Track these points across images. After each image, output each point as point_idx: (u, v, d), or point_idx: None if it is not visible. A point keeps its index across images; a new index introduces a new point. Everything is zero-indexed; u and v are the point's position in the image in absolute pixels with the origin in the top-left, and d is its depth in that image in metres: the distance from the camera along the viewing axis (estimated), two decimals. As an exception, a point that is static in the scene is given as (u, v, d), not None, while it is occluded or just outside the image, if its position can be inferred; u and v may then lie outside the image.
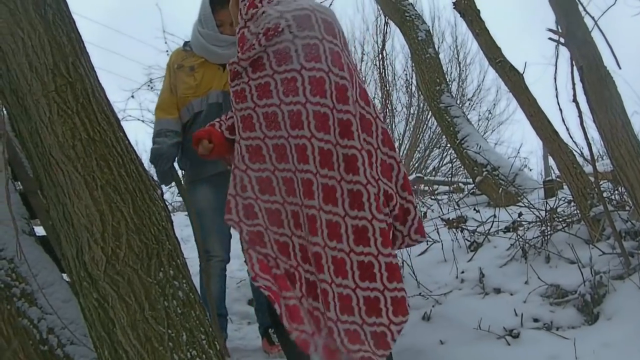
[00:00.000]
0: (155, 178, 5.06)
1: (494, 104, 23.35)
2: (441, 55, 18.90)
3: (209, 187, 5.13)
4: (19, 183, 4.37)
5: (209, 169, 5.03)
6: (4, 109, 3.50)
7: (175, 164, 5.29)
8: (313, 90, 3.28)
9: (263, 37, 3.34)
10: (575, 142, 8.32)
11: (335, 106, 3.30)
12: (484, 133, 21.88)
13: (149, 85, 18.14)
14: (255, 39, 3.37)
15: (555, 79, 5.84)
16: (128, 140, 3.38)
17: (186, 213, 9.91)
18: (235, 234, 4.38)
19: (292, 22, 3.34)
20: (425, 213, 9.35)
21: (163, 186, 5.41)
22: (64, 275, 3.83)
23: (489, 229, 7.17)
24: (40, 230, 4.38)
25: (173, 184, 5.34)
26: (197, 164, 5.04)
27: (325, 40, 3.36)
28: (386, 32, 15.92)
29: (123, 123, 3.48)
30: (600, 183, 6.11)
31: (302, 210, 3.34)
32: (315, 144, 3.28)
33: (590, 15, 5.77)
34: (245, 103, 3.45)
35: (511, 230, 7.06)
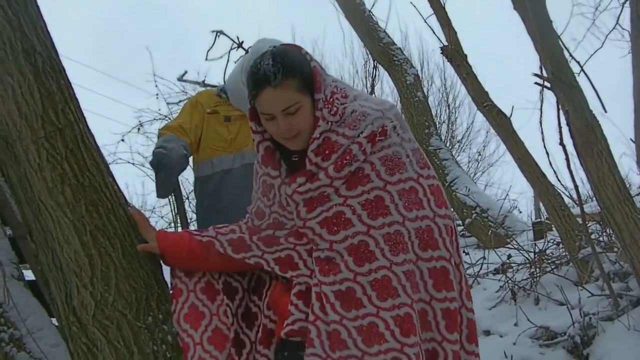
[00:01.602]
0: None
1: (484, 146, 23.41)
2: (430, 98, 19.10)
3: None
4: (9, 228, 4.38)
5: None
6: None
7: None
8: (437, 201, 2.79)
9: (368, 144, 2.71)
10: (563, 185, 8.39)
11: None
12: (474, 175, 21.95)
13: (138, 129, 18.18)
14: (358, 147, 2.69)
15: (541, 122, 5.91)
16: (117, 185, 3.40)
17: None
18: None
19: (396, 123, 2.80)
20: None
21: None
22: (53, 320, 3.82)
23: (479, 271, 7.21)
24: (29, 275, 4.38)
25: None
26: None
27: (416, 142, 2.92)
28: (375, 76, 16.07)
29: (113, 166, 3.50)
30: (588, 225, 6.14)
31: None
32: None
33: (576, 60, 5.87)
34: (351, 229, 2.70)
35: (500, 272, 7.09)
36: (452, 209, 2.95)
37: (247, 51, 7.98)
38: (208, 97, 4.68)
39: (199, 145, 4.61)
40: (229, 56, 8.87)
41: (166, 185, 4.31)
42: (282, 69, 2.65)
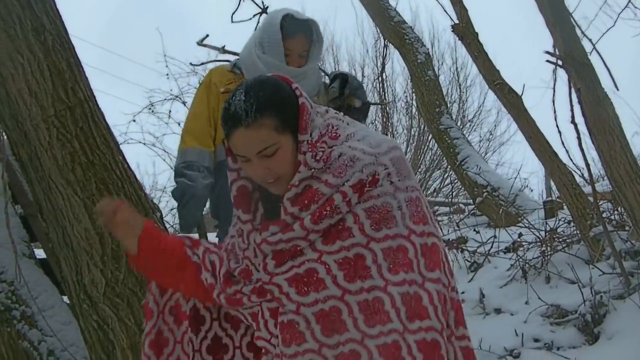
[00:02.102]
0: (177, 220, 4.18)
1: (495, 125, 23.31)
2: (441, 77, 18.99)
3: None
4: (19, 206, 4.39)
5: None
6: (3, 133, 3.52)
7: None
8: (429, 263, 2.32)
9: (354, 195, 2.29)
10: (574, 163, 8.35)
11: (451, 283, 2.42)
12: (485, 154, 21.86)
13: (149, 109, 18.20)
14: (341, 197, 2.28)
15: (553, 101, 5.87)
16: (127, 164, 3.40)
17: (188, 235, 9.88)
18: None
19: (391, 169, 2.35)
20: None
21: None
22: (64, 298, 3.84)
23: (489, 250, 7.19)
24: (40, 253, 4.40)
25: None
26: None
27: (419, 191, 2.44)
28: (386, 55, 16.03)
29: (125, 146, 3.48)
30: (600, 203, 6.12)
31: None
32: (455, 343, 2.40)
33: (588, 38, 5.81)
34: (323, 292, 2.28)
35: (511, 250, 7.07)
36: (446, 275, 2.30)
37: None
38: (221, 74, 4.24)
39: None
40: (258, 20, 8.71)
41: (191, 219, 3.93)
42: (255, 106, 2.27)
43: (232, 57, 6.82)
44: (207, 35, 9.34)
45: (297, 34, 3.96)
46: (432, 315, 2.24)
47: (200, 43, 9.51)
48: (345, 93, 4.09)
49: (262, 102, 2.28)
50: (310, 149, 2.33)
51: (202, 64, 10.02)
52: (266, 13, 8.57)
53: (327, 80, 4.35)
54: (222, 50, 9.54)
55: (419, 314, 2.22)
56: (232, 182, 2.49)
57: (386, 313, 2.21)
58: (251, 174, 2.40)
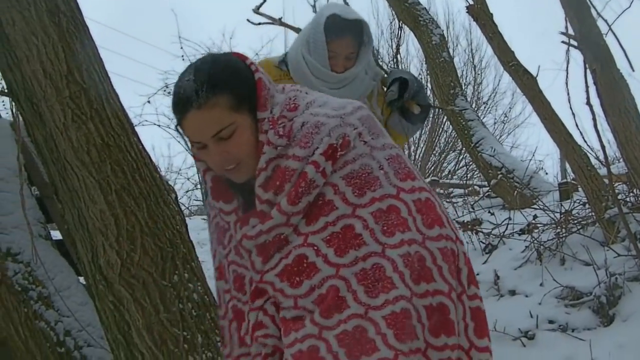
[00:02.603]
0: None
1: (510, 108, 23.21)
2: (456, 59, 18.93)
3: None
4: (35, 188, 4.41)
5: None
6: (19, 115, 3.53)
7: None
8: (426, 219, 2.15)
9: (327, 163, 2.10)
10: (589, 145, 8.32)
11: (458, 236, 2.23)
12: (500, 136, 21.80)
13: (165, 90, 18.24)
14: (314, 169, 2.10)
15: (567, 82, 5.85)
16: (142, 145, 3.41)
17: (203, 217, 9.93)
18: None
19: (361, 128, 2.18)
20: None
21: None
22: (81, 279, 3.86)
23: (504, 232, 7.18)
24: (57, 235, 4.42)
25: None
26: None
27: (397, 148, 2.28)
28: (400, 37, 15.95)
29: (140, 128, 3.49)
30: (615, 185, 6.10)
31: None
32: (466, 303, 2.21)
33: (604, 19, 5.79)
34: (317, 276, 2.09)
35: (526, 232, 7.05)
36: (452, 228, 2.06)
37: None
38: (267, 69, 3.74)
39: None
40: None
41: None
42: (207, 84, 2.09)
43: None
44: (265, 1, 8.95)
45: (344, 35, 3.66)
46: (437, 277, 2.11)
47: (257, 11, 9.10)
48: (405, 97, 3.80)
49: (213, 79, 2.11)
50: (272, 126, 2.16)
51: (264, 15, 9.56)
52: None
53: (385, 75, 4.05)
54: (279, 21, 9.26)
55: (425, 275, 2.09)
56: (204, 172, 2.32)
57: (389, 279, 2.05)
58: (209, 162, 2.21)
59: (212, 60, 2.21)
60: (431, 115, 21.63)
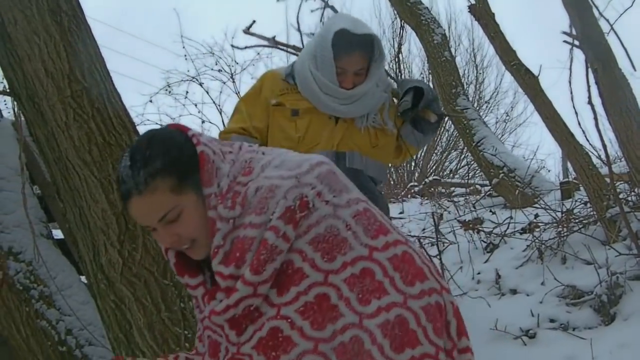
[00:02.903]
0: None
1: (512, 107, 23.24)
2: (458, 58, 18.94)
3: None
4: (37, 187, 4.42)
5: None
6: (21, 114, 3.54)
7: None
8: (406, 276, 2.01)
9: (288, 226, 1.93)
10: (591, 145, 8.31)
11: (443, 286, 2.09)
12: (502, 135, 21.82)
13: (167, 90, 18.22)
14: (274, 234, 1.93)
15: (570, 82, 5.84)
16: (144, 144, 3.41)
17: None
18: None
19: (320, 187, 2.01)
20: (441, 215, 9.35)
21: None
22: (82, 278, 3.87)
23: (505, 231, 7.18)
24: (58, 234, 4.42)
25: None
26: None
27: (365, 201, 2.11)
28: (402, 36, 15.97)
29: (141, 127, 3.49)
30: (617, 184, 6.10)
31: None
32: (457, 359, 2.09)
33: (606, 19, 5.79)
34: (294, 350, 1.93)
35: (527, 231, 7.06)
36: (436, 279, 1.82)
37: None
38: (273, 82, 3.77)
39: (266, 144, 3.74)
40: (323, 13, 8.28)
41: None
42: (144, 168, 1.96)
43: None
44: (254, 22, 8.48)
45: (352, 51, 3.52)
46: (423, 339, 1.96)
47: (247, 31, 8.49)
48: (420, 106, 3.70)
49: (150, 163, 1.97)
50: (220, 201, 2.01)
51: (256, 35, 9.09)
52: (332, 8, 7.96)
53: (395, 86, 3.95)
54: (273, 41, 8.85)
55: (408, 341, 1.94)
56: (165, 250, 2.17)
57: (368, 352, 1.91)
58: (163, 244, 2.11)
59: (148, 140, 2.04)
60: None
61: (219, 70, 20.58)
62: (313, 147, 3.61)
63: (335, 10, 7.72)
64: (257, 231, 1.95)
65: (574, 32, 5.54)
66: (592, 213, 6.53)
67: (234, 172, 2.07)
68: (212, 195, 2.01)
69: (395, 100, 3.85)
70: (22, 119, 3.59)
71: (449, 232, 7.03)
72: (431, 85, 11.17)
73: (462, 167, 21.19)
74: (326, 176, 2.04)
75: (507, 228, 7.25)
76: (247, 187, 2.02)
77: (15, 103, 3.64)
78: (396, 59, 19.55)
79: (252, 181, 2.03)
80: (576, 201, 7.23)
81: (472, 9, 8.69)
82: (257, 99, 3.76)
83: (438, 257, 6.31)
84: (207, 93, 20.17)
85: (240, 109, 3.82)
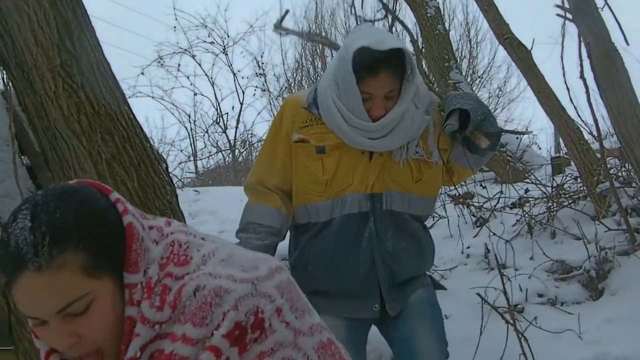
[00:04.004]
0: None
1: (505, 82, 23.26)
2: (452, 33, 18.90)
3: (343, 325, 3.10)
4: (26, 157, 4.40)
5: (348, 308, 3.15)
6: (10, 83, 3.52)
7: None
8: None
9: (233, 349, 1.45)
10: (583, 120, 8.33)
11: None
12: (494, 110, 21.82)
13: (158, 62, 18.20)
14: (213, 357, 1.44)
15: (562, 57, 5.83)
16: (133, 114, 3.40)
17: (196, 188, 9.94)
18: None
19: (281, 301, 1.54)
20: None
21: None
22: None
23: (496, 205, 7.21)
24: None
25: None
26: (323, 291, 3.11)
27: (327, 330, 1.69)
28: (396, 10, 15.88)
29: (133, 99, 3.46)
30: (607, 159, 6.12)
31: None
32: None
33: (600, -8, 5.75)
34: None
35: (517, 206, 7.09)
36: None
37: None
38: (294, 112, 3.18)
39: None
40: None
41: None
42: (49, 235, 1.42)
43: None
44: (287, 12, 7.69)
45: (378, 73, 2.87)
46: None
47: (279, 26, 7.50)
48: (468, 130, 3.11)
49: (61, 228, 1.44)
50: (146, 295, 1.50)
51: (288, 31, 8.23)
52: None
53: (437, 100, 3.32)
54: (307, 35, 8.15)
55: None
56: (46, 356, 1.58)
57: None
58: (52, 344, 1.52)
59: (59, 197, 1.49)
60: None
61: (211, 43, 20.54)
62: (344, 189, 3.07)
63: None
64: (192, 350, 1.44)
65: (567, 6, 5.50)
66: (582, 188, 6.56)
67: (162, 257, 1.57)
68: (136, 286, 1.51)
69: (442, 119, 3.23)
70: (11, 87, 3.56)
71: (439, 207, 7.04)
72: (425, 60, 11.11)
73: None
74: (287, 288, 1.58)
75: (497, 202, 7.28)
76: (182, 283, 1.51)
77: (4, 72, 3.62)
78: (389, 32, 19.50)
79: (190, 276, 1.52)
80: (567, 176, 7.26)
81: (465, -18, 8.67)
82: (278, 135, 3.19)
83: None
84: (200, 65, 20.12)
85: (262, 153, 3.30)
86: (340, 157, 3.07)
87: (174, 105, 21.42)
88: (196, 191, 9.18)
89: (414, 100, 3.03)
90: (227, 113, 20.96)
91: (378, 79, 2.87)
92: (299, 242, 3.23)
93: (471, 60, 22.90)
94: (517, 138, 8.58)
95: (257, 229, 3.10)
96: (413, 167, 3.11)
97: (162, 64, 18.83)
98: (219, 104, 21.07)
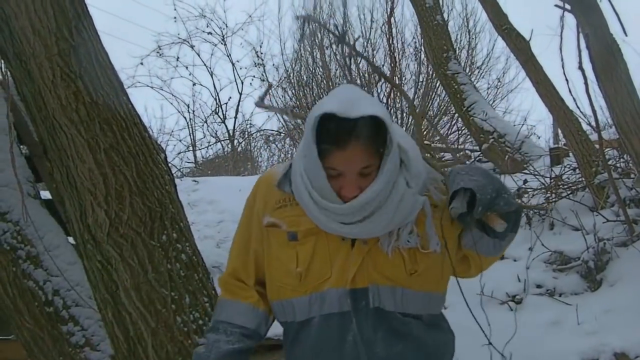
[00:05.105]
0: None
1: (504, 72, 23.18)
2: (451, 23, 18.88)
3: None
4: (24, 147, 4.39)
5: None
6: (8, 72, 3.51)
7: None
8: None
9: None
10: (581, 111, 8.32)
11: None
12: (493, 101, 21.78)
13: (157, 52, 18.19)
14: None
15: (560, 48, 5.83)
16: (131, 104, 3.39)
17: (194, 178, 9.94)
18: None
19: None
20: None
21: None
22: (70, 238, 3.86)
23: (494, 196, 7.20)
24: (46, 195, 4.40)
25: None
26: None
27: None
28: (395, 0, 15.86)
29: (132, 89, 3.44)
30: (606, 150, 6.11)
31: None
32: None
33: (599, -17, 5.74)
34: None
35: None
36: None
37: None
38: (267, 191, 2.57)
39: None
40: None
41: None
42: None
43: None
44: (271, 86, 6.82)
45: (347, 145, 2.20)
46: None
47: (260, 104, 6.70)
48: (477, 212, 2.27)
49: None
50: None
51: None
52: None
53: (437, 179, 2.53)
54: (292, 112, 7.44)
55: None
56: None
57: None
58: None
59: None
60: (424, 80, 21.59)
61: (210, 33, 20.51)
62: (321, 283, 2.41)
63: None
64: None
65: (566, -2, 5.49)
66: (580, 179, 6.56)
67: None
68: None
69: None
70: (10, 76, 3.55)
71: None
72: (424, 50, 11.01)
73: (453, 132, 21.21)
74: None
75: (496, 193, 7.27)
76: None
77: (2, 61, 3.61)
78: (388, 23, 19.47)
79: None
80: (565, 167, 7.25)
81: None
82: (251, 218, 2.62)
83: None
84: (199, 55, 20.08)
85: (235, 239, 2.69)
86: (315, 245, 2.45)
87: (172, 95, 21.43)
88: (195, 181, 9.17)
89: (405, 177, 2.36)
90: (227, 103, 20.96)
91: (345, 152, 2.21)
92: (285, 345, 2.62)
93: (470, 51, 22.83)
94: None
95: (228, 330, 2.55)
96: (406, 257, 2.39)
97: (161, 54, 18.81)
98: (217, 94, 21.06)
